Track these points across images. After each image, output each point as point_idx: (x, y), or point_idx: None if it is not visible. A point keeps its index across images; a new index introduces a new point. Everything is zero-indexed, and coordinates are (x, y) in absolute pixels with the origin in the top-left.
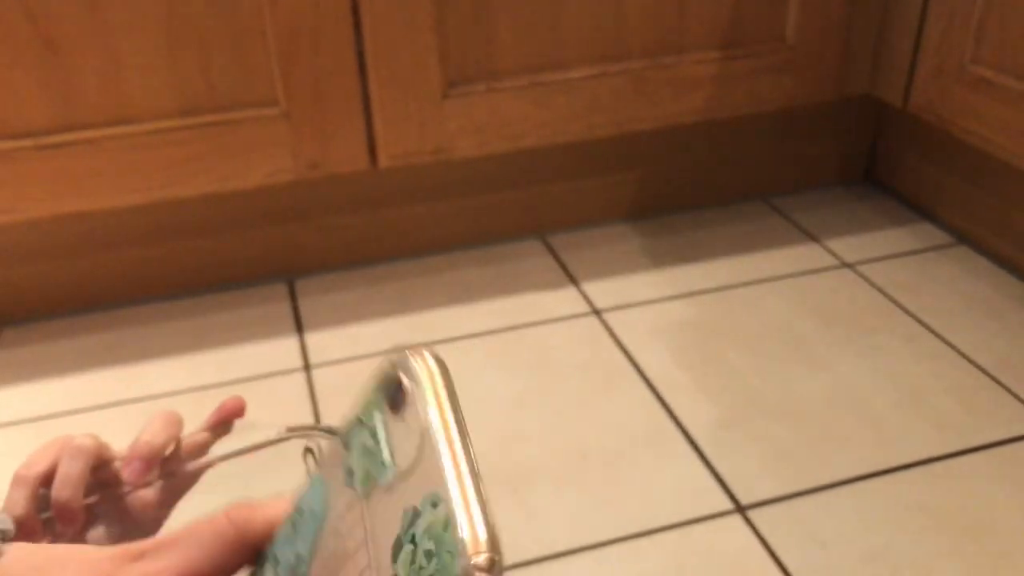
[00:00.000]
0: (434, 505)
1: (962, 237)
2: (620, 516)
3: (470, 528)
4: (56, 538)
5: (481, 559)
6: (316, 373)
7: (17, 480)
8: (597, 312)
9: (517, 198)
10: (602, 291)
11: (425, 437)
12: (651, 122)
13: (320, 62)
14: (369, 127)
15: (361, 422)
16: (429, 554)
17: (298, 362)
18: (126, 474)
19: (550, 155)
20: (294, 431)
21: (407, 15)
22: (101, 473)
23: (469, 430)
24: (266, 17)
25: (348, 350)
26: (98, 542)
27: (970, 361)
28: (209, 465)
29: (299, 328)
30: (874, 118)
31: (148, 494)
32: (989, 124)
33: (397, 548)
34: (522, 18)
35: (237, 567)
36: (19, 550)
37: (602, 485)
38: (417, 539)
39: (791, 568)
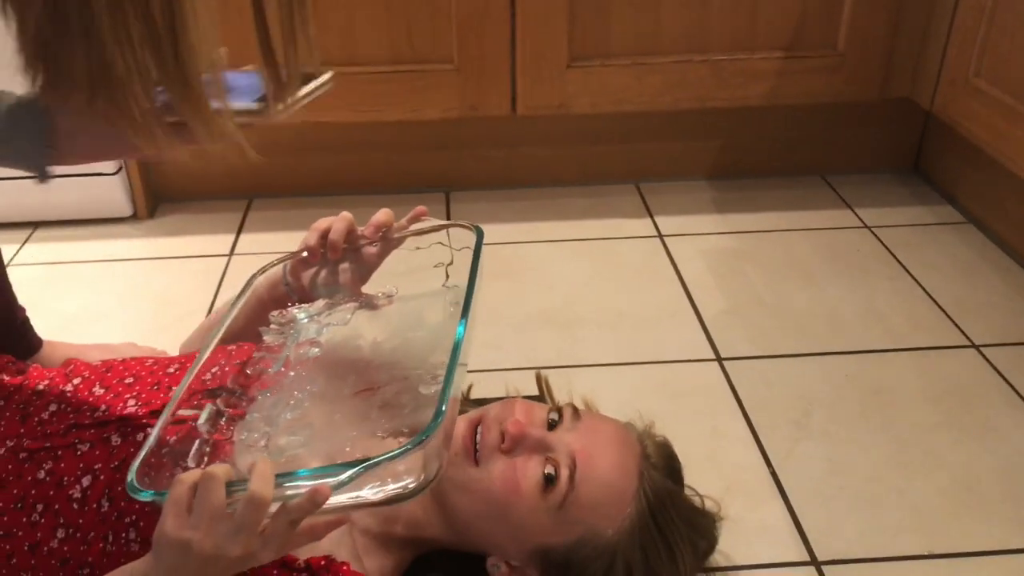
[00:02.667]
0: None
1: (973, 219)
2: (635, 351)
3: None
4: (323, 263)
5: None
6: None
7: (312, 229)
8: (661, 236)
9: (619, 151)
10: (670, 223)
11: None
12: (724, 102)
13: (485, 36)
14: (513, 84)
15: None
16: None
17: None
18: (367, 233)
19: (647, 120)
20: (455, 223)
21: (548, 8)
22: (351, 235)
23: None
24: (452, 2)
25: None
26: (344, 272)
27: (932, 299)
28: (406, 236)
29: None
30: (923, 117)
31: (372, 249)
32: (983, 126)
33: None
34: (631, 15)
35: None
36: None
37: (628, 333)
38: None
39: (741, 395)
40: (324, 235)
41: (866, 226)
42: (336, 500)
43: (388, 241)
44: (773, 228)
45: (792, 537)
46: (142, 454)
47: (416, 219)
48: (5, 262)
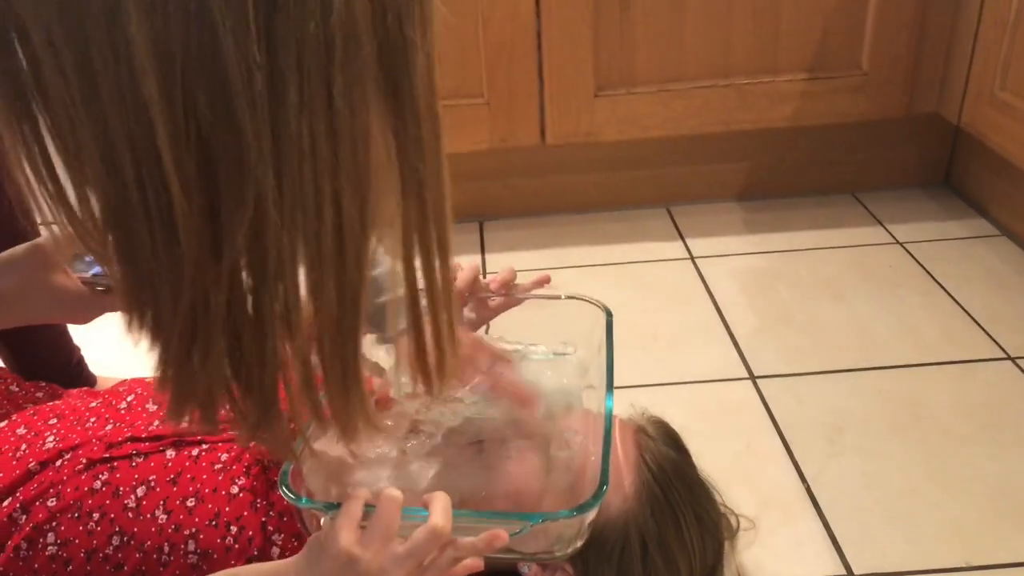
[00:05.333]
0: None
1: (1006, 232)
2: (669, 370)
3: None
4: None
5: None
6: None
7: None
8: (692, 258)
9: (648, 175)
10: (701, 245)
11: None
12: (750, 124)
13: (513, 70)
14: (542, 115)
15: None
16: None
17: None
18: (492, 287)
19: (675, 144)
20: (577, 295)
21: (572, 40)
22: (475, 285)
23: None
24: (480, 38)
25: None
26: (467, 315)
27: (966, 312)
28: (526, 298)
29: (482, 250)
30: (952, 132)
31: (492, 302)
32: (1010, 139)
33: None
34: (654, 44)
35: None
36: None
37: (661, 354)
38: None
39: (773, 411)
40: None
41: (898, 242)
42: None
43: (509, 299)
44: (804, 247)
45: (828, 551)
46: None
47: (540, 284)
48: None
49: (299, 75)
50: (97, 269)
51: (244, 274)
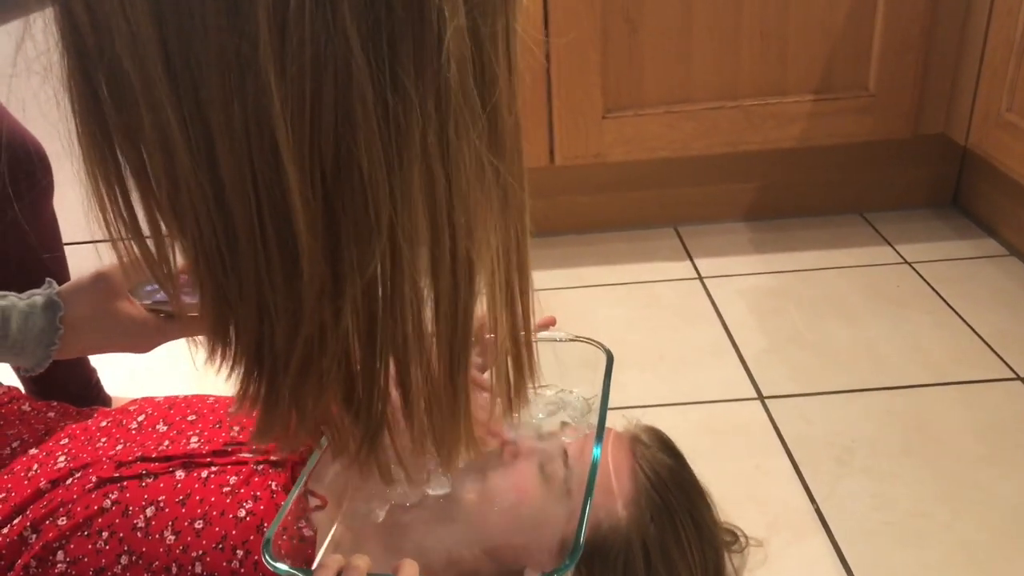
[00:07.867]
0: None
1: (1014, 251)
2: (678, 390)
3: None
4: None
5: None
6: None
7: None
8: (701, 278)
9: (657, 196)
10: (709, 265)
11: None
12: (757, 145)
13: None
14: (551, 137)
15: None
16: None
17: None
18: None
19: (683, 165)
20: (579, 337)
21: (581, 62)
22: (481, 331)
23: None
24: None
25: None
26: (476, 360)
27: (973, 331)
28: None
29: None
30: (960, 152)
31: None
32: (1017, 160)
33: None
34: (662, 66)
35: None
36: None
37: (669, 374)
38: None
39: (782, 431)
40: None
41: (906, 262)
42: None
43: None
44: (812, 267)
45: (837, 573)
46: (277, 522)
47: (544, 327)
48: None
49: (423, 119)
50: (160, 296)
51: (362, 304)
